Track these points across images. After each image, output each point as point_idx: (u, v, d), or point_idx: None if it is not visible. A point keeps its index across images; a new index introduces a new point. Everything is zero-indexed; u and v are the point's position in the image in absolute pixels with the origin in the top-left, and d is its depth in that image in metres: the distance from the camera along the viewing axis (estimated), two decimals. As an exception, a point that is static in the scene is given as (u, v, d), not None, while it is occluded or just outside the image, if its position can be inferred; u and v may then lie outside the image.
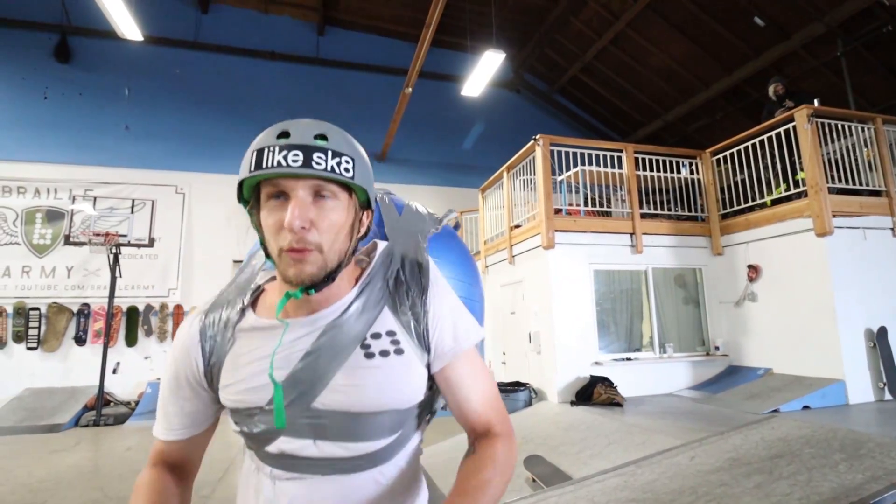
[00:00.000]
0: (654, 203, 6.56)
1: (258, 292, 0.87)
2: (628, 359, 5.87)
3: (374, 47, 10.36)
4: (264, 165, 0.70)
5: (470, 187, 9.27)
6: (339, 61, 10.05)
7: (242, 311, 0.83)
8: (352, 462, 0.77)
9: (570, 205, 6.48)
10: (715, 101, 9.55)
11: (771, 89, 6.25)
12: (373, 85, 10.14)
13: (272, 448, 0.78)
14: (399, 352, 0.79)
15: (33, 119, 8.19)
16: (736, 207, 6.18)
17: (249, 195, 0.77)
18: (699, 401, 5.36)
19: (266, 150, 0.70)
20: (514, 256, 6.71)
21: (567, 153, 6.32)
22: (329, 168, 0.71)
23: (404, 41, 10.28)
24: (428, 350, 0.82)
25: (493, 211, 7.83)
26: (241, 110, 9.26)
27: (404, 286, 0.84)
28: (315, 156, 0.70)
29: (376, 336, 0.79)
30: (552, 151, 6.09)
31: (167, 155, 8.63)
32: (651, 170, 6.47)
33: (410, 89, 7.29)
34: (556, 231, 5.76)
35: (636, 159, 6.38)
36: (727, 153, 6.34)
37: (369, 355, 0.78)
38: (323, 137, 0.72)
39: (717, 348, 6.20)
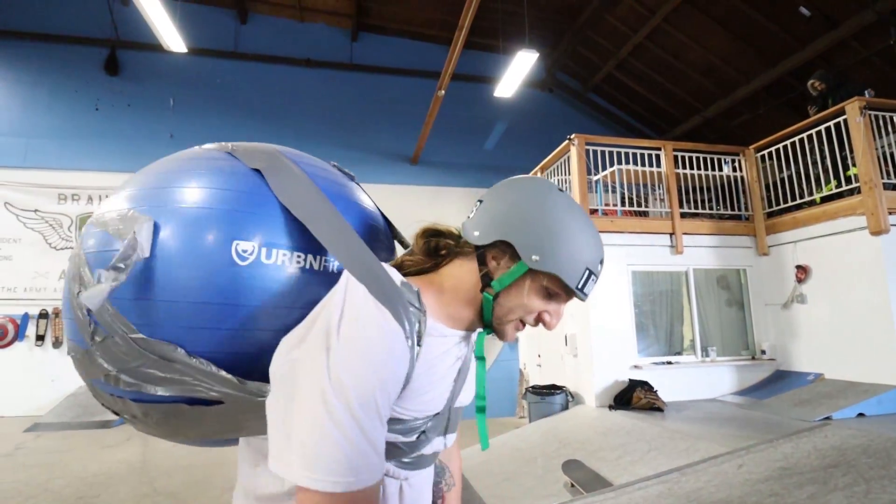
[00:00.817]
0: (695, 202, 6.37)
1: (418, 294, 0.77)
2: (669, 362, 5.71)
3: (407, 51, 10.46)
4: (584, 290, 0.79)
5: (503, 188, 9.22)
6: (373, 66, 10.20)
7: (424, 313, 0.75)
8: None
9: (607, 205, 6.37)
10: (758, 96, 9.19)
11: (809, 85, 5.98)
12: (406, 88, 10.23)
13: (428, 449, 0.82)
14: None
15: (86, 130, 8.64)
16: (782, 205, 5.94)
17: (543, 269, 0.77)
18: (745, 407, 5.16)
19: (592, 278, 0.80)
20: (548, 258, 6.62)
21: (603, 152, 6.21)
22: None
23: (436, 44, 10.34)
24: None
25: (526, 212, 7.75)
26: (279, 116, 9.51)
27: None
28: None
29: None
30: (587, 151, 6.00)
31: (209, 162, 8.94)
32: (691, 168, 6.28)
33: (443, 92, 7.31)
34: (593, 232, 5.65)
35: (675, 157, 6.21)
36: (772, 149, 6.10)
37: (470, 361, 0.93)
38: None
39: (763, 352, 5.96)
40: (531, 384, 6.54)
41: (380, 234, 0.90)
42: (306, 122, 9.56)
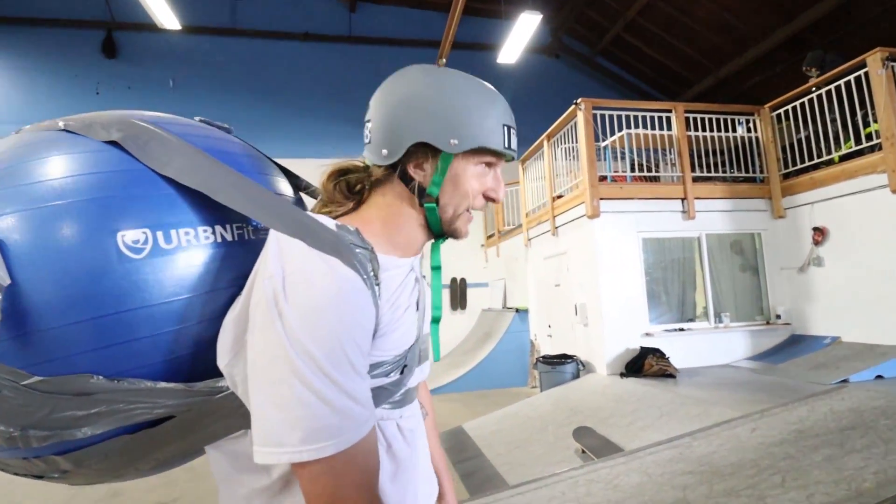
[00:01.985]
0: (707, 165, 6.19)
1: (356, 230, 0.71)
2: (681, 329, 5.64)
3: (406, 21, 10.21)
4: (511, 146, 0.76)
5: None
6: (372, 38, 9.98)
7: (372, 251, 0.69)
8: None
9: (616, 171, 6.21)
10: (774, 53, 8.82)
11: (804, 71, 5.91)
12: (406, 59, 9.77)
13: (412, 382, 0.79)
14: None
15: (88, 114, 8.61)
16: (799, 166, 5.74)
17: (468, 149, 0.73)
18: (759, 371, 5.10)
19: (511, 132, 0.76)
20: (557, 228, 6.53)
21: (611, 117, 6.03)
22: None
23: (436, 12, 10.06)
24: None
25: (533, 182, 7.63)
26: (278, 93, 9.40)
27: None
28: None
29: None
30: (595, 116, 5.82)
31: (212, 142, 8.93)
32: (703, 130, 6.08)
33: (444, 61, 7.14)
34: (601, 199, 5.54)
35: (687, 119, 6.01)
36: (788, 108, 5.87)
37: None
38: None
39: (778, 317, 5.85)
40: (542, 354, 6.53)
41: (282, 187, 0.80)
42: (306, 97, 9.43)
